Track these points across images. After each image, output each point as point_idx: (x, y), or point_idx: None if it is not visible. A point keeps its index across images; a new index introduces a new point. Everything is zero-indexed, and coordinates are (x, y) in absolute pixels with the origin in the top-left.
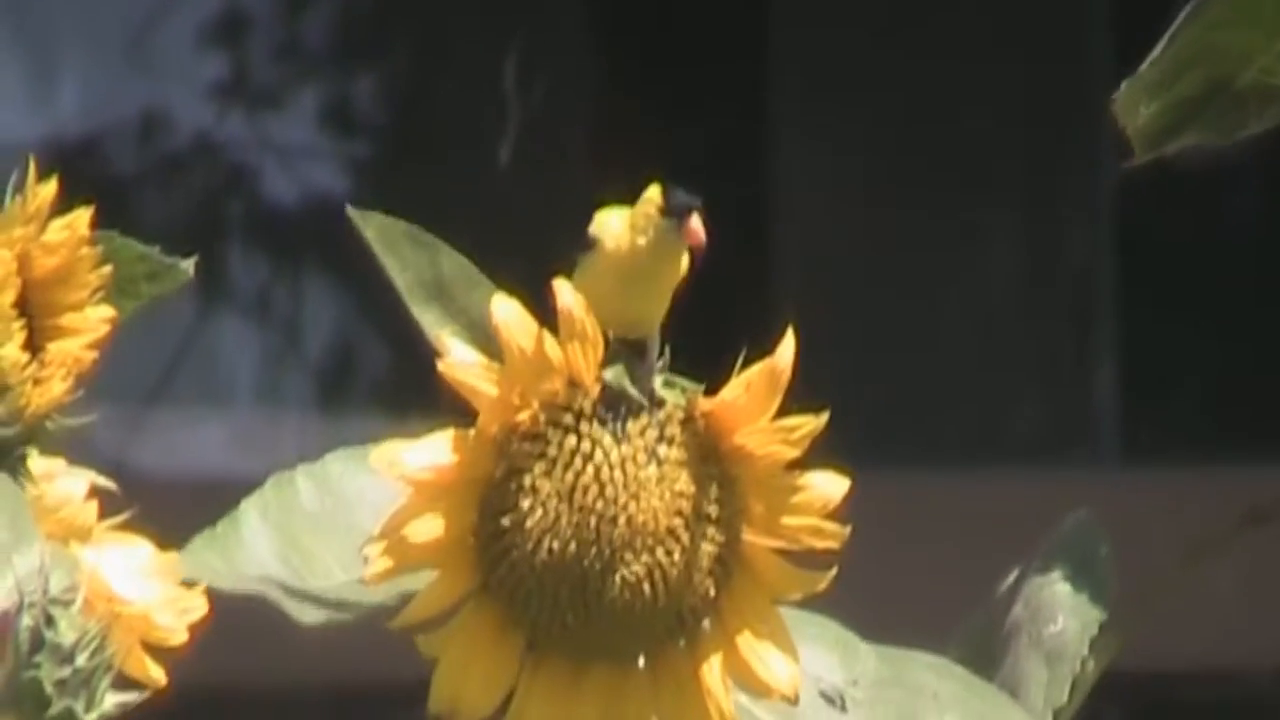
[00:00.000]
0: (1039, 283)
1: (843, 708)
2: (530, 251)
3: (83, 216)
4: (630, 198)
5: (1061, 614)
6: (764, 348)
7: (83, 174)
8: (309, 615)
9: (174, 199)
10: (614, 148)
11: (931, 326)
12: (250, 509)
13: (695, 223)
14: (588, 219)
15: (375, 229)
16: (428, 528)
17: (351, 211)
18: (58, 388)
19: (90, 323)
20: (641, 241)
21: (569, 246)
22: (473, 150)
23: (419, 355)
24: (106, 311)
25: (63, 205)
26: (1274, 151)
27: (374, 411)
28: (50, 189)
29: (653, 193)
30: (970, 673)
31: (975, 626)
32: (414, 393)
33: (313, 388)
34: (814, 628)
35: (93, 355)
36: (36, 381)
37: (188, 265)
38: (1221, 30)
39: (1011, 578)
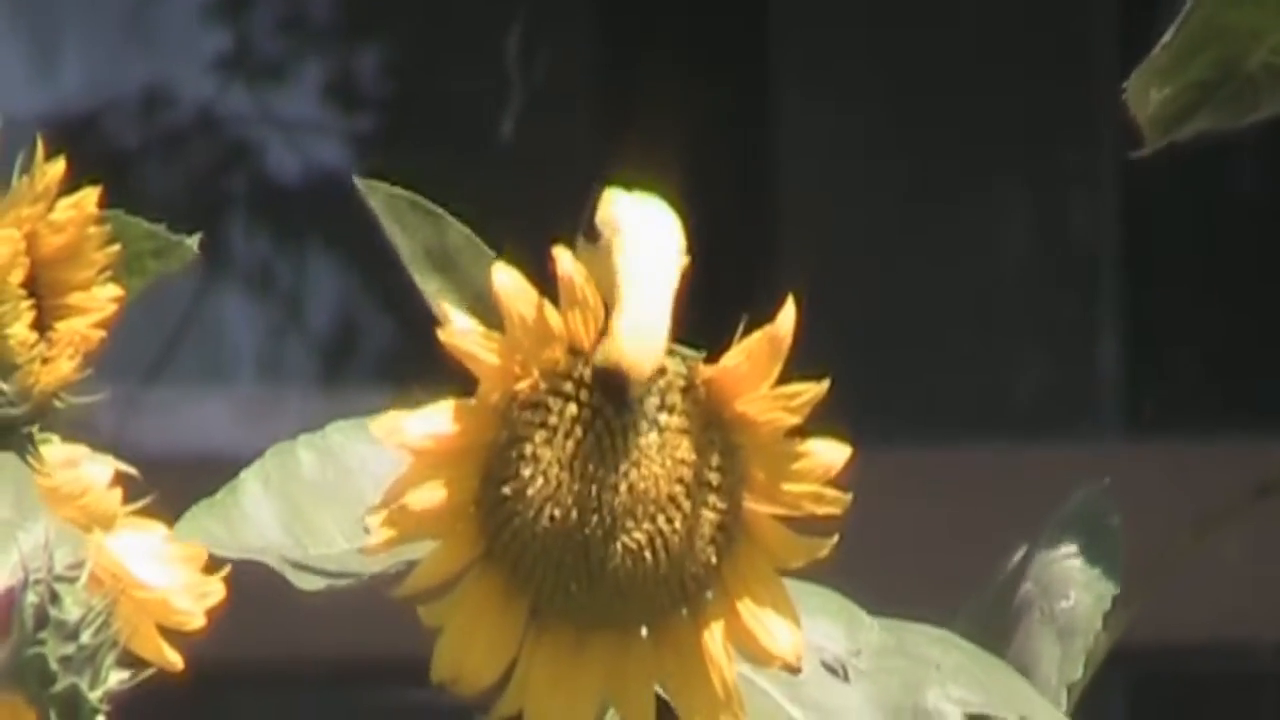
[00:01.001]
0: (1041, 254)
1: (845, 678)
2: (534, 225)
3: (90, 195)
4: (634, 173)
5: (1073, 589)
6: (766, 316)
7: (85, 149)
8: (311, 582)
9: (176, 174)
10: (617, 121)
11: (932, 298)
12: (251, 478)
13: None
14: (591, 192)
15: (381, 199)
16: (429, 496)
17: (359, 181)
18: (65, 366)
19: (98, 301)
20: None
21: (572, 221)
22: (476, 124)
23: (422, 330)
24: (114, 290)
25: (66, 181)
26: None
27: (377, 387)
28: (58, 167)
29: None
30: (975, 646)
31: (982, 602)
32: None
33: (316, 363)
34: (817, 598)
35: (100, 334)
36: (44, 360)
37: (193, 241)
38: (1231, 10)
39: (1019, 553)
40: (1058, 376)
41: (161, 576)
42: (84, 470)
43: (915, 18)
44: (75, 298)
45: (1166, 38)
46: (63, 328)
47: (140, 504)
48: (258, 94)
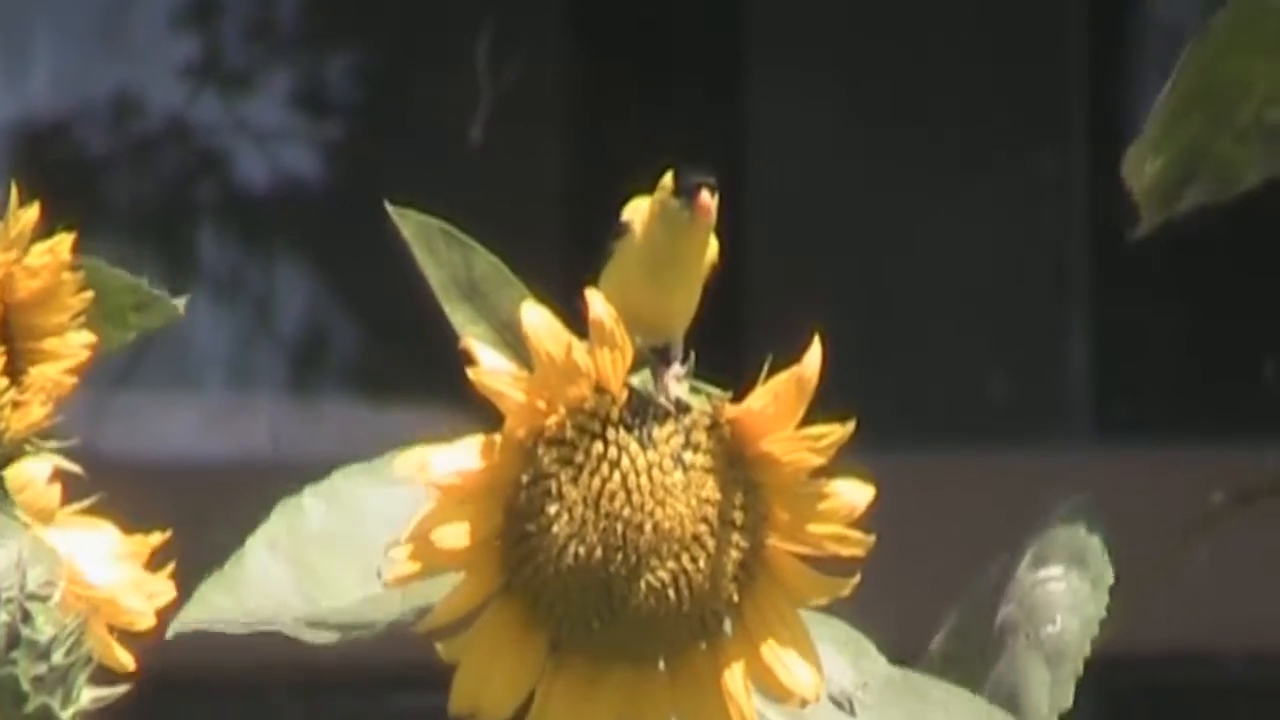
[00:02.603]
0: (1011, 261)
1: (851, 711)
2: (502, 230)
3: (65, 240)
4: (605, 178)
5: (1060, 613)
6: (735, 328)
7: (54, 156)
8: (325, 637)
9: (145, 181)
10: (586, 127)
11: (902, 306)
12: (257, 542)
13: (705, 198)
14: (560, 196)
15: (412, 226)
16: (454, 532)
17: (390, 209)
18: (37, 412)
19: (71, 347)
20: (658, 227)
21: (542, 223)
22: (445, 130)
23: (392, 337)
24: (87, 336)
25: (34, 189)
26: None
27: (347, 394)
28: (32, 214)
29: (666, 179)
30: (965, 678)
31: (961, 619)
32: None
33: (284, 370)
34: (825, 628)
35: (73, 380)
36: (15, 405)
37: (178, 303)
38: (1220, 62)
39: (997, 569)
40: (1027, 385)
41: (110, 575)
42: (24, 466)
43: (888, 25)
44: (48, 343)
45: (1158, 103)
46: (35, 373)
47: (88, 502)
48: (227, 101)
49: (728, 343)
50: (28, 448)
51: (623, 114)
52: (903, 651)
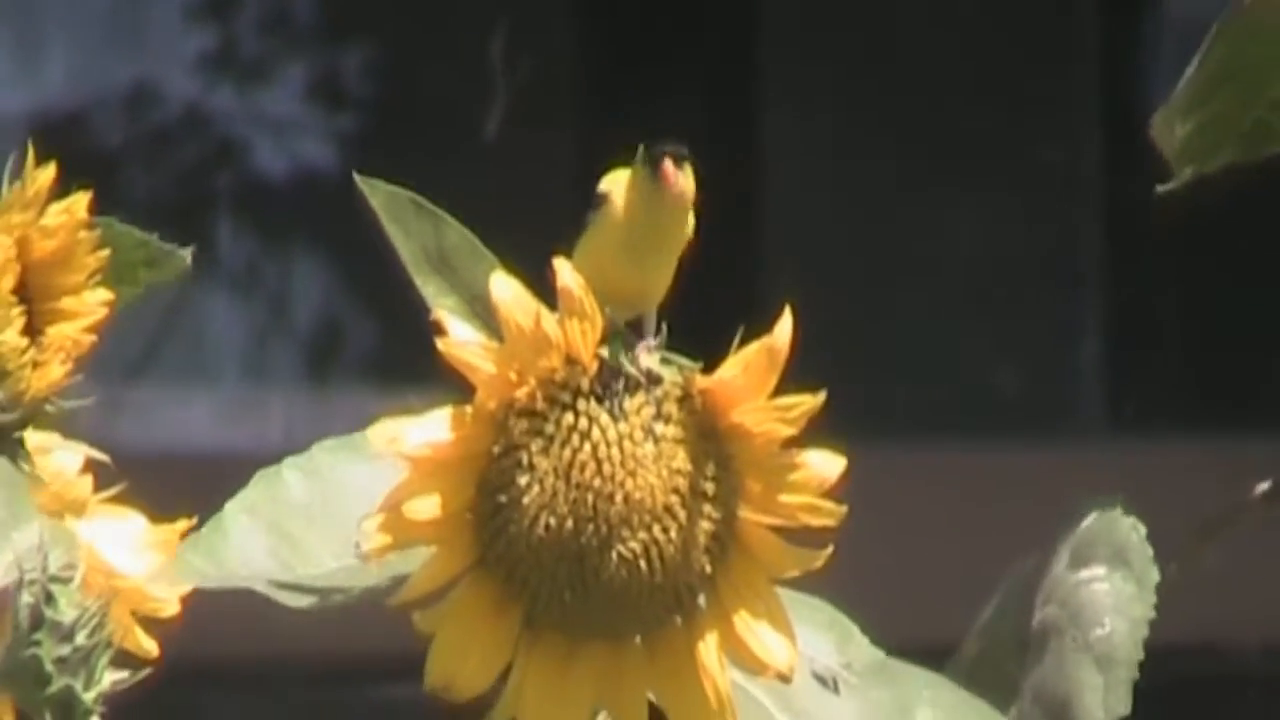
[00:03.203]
0: (1024, 252)
1: (835, 689)
2: (516, 223)
3: (81, 200)
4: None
5: (1107, 615)
6: (750, 320)
7: (70, 147)
8: (300, 600)
9: (161, 172)
10: (600, 120)
11: (915, 297)
12: (236, 507)
13: (668, 167)
14: (574, 191)
15: (381, 197)
16: (426, 504)
17: (359, 180)
18: (56, 371)
19: (88, 306)
20: (632, 198)
21: (555, 218)
22: (460, 123)
23: (407, 330)
24: (104, 295)
25: (51, 179)
26: None
27: (362, 386)
28: (49, 173)
29: (641, 151)
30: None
31: (993, 620)
32: (402, 367)
33: (300, 363)
34: (808, 609)
35: (91, 338)
36: (35, 365)
37: (186, 253)
38: (1249, 44)
39: (1028, 567)
40: (1039, 377)
41: (136, 564)
42: (55, 458)
43: (897, 22)
44: (66, 302)
45: (1187, 75)
46: (53, 332)
47: (114, 491)
48: (243, 93)
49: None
50: (48, 408)
51: (637, 109)
52: (917, 646)
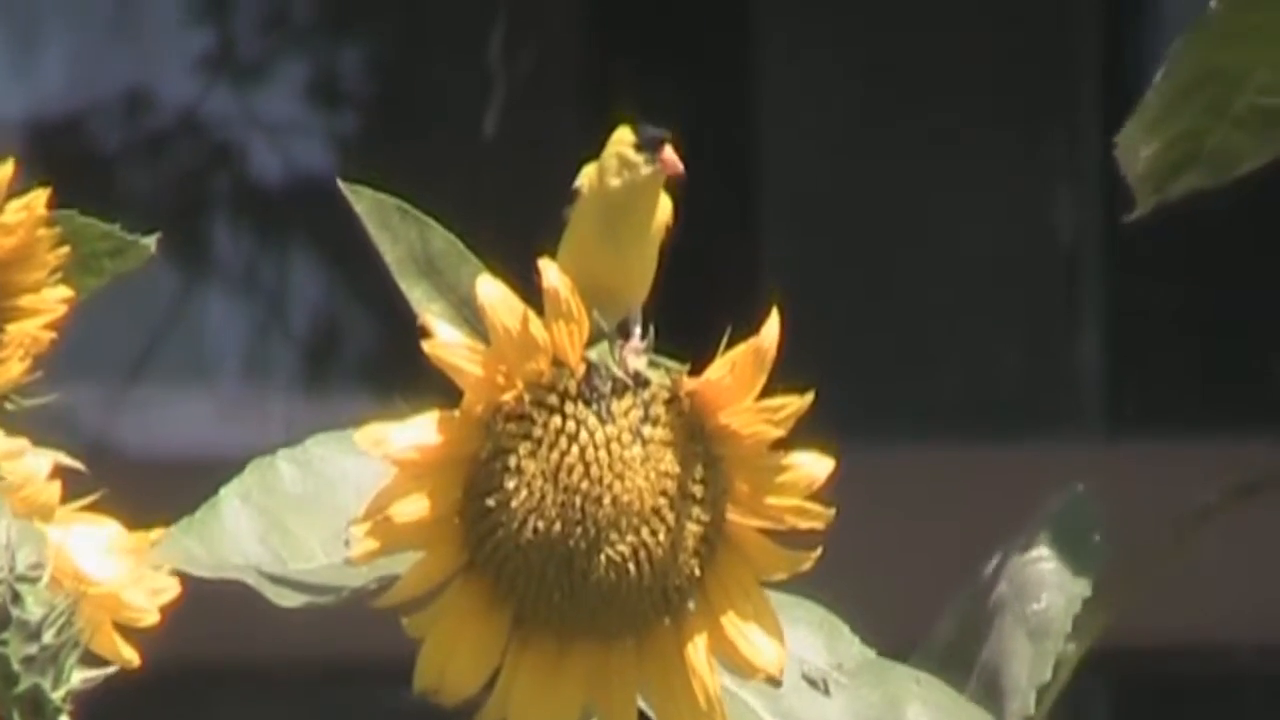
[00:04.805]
0: (1025, 251)
1: (826, 691)
2: (517, 225)
3: (40, 196)
4: None
5: (1045, 591)
6: (749, 320)
7: (68, 150)
8: (290, 599)
9: (159, 174)
10: (600, 119)
11: (915, 296)
12: (230, 493)
13: (669, 153)
14: (563, 198)
15: (366, 203)
16: (413, 507)
17: (342, 185)
18: (16, 368)
19: (48, 303)
20: (616, 183)
21: (556, 218)
22: (459, 123)
23: (405, 331)
24: (65, 292)
25: (48, 183)
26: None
27: (360, 387)
28: (6, 170)
29: (622, 133)
30: (951, 664)
31: (962, 604)
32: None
33: (298, 363)
34: (799, 610)
35: (51, 335)
36: None
37: (149, 241)
38: (1217, 51)
39: (998, 555)
40: (1041, 377)
41: (112, 571)
42: (25, 462)
43: (896, 16)
44: (26, 299)
45: (1153, 87)
46: (13, 330)
47: (90, 499)
48: (240, 94)
49: (738, 338)
50: (8, 405)
51: (637, 105)
52: (912, 645)
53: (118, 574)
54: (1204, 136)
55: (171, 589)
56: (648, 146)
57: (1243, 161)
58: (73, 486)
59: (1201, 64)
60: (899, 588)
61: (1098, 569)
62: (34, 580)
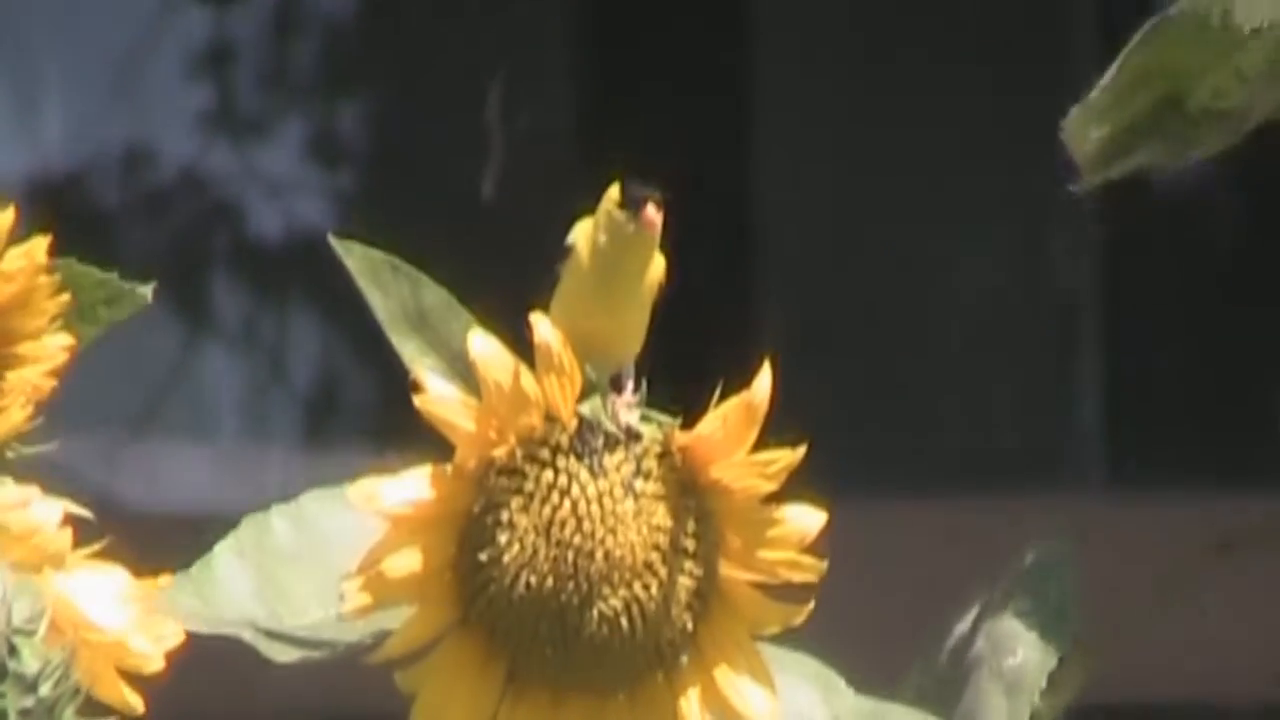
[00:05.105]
0: (1021, 306)
1: None
2: (515, 281)
3: (40, 244)
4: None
5: (1021, 646)
6: (742, 373)
7: (68, 206)
8: (284, 654)
9: (159, 231)
10: (599, 178)
11: (912, 350)
12: (225, 549)
13: (650, 212)
14: (558, 255)
15: (357, 259)
16: (406, 562)
17: (334, 241)
18: (17, 415)
19: (49, 350)
20: (604, 240)
21: (554, 276)
22: (457, 181)
23: (404, 388)
24: (65, 339)
25: (50, 239)
26: (1260, 176)
27: (359, 444)
28: (6, 218)
29: (612, 191)
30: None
31: (936, 658)
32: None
33: (298, 420)
34: (794, 663)
35: (52, 383)
36: None
37: (146, 289)
38: (1172, 50)
39: (975, 607)
40: (1037, 431)
41: (117, 617)
42: (34, 511)
43: (893, 52)
44: (26, 347)
45: (1106, 78)
46: (13, 377)
47: (97, 546)
48: (240, 152)
49: (733, 387)
50: (9, 453)
51: (635, 165)
52: None
53: (124, 621)
54: (1155, 126)
55: (176, 636)
56: (631, 205)
57: (1193, 151)
58: (78, 537)
59: (1154, 62)
60: (893, 640)
61: (1075, 623)
62: (30, 633)
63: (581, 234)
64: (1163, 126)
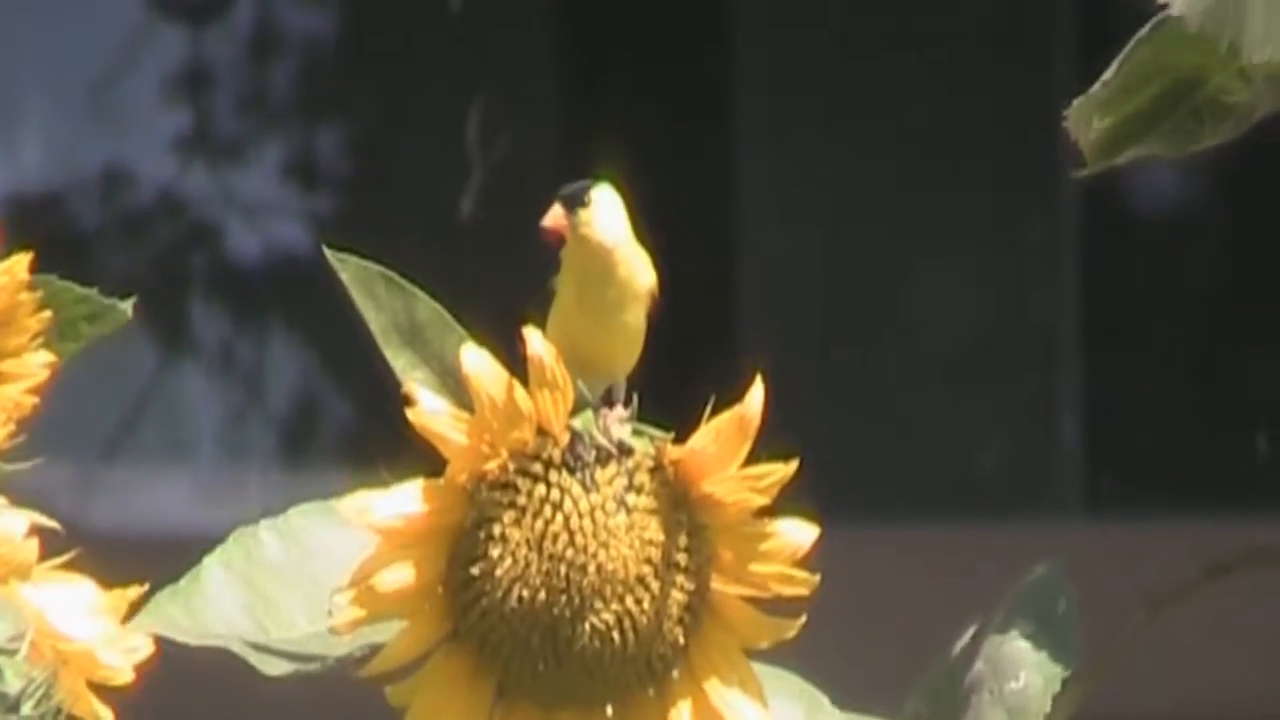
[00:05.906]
0: (1001, 332)
1: None
2: (494, 302)
3: (21, 261)
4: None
5: (1024, 670)
6: (730, 392)
7: (46, 228)
8: (274, 667)
9: (137, 253)
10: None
11: (892, 376)
12: (213, 562)
13: (555, 209)
14: (551, 271)
15: (352, 272)
16: (397, 576)
17: (329, 253)
18: None
19: (31, 368)
20: (568, 252)
21: (534, 299)
22: (436, 204)
23: (383, 409)
24: (47, 357)
25: (29, 261)
26: (1238, 199)
27: (338, 466)
28: None
29: (554, 210)
30: None
31: (934, 681)
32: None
33: (276, 442)
34: (777, 682)
35: (33, 400)
36: None
37: (126, 306)
38: (1177, 50)
39: (971, 632)
40: (1017, 456)
41: (87, 630)
42: (0, 522)
43: (878, 87)
44: (7, 364)
45: (1108, 74)
46: None
47: (65, 558)
48: (218, 174)
49: (721, 407)
50: None
51: (615, 186)
52: None
53: (93, 633)
54: (1159, 118)
55: (145, 648)
56: (569, 205)
57: (1197, 143)
58: (48, 554)
59: (1160, 58)
60: (878, 664)
61: (1079, 648)
62: (12, 653)
63: (572, 249)
64: (1167, 118)
